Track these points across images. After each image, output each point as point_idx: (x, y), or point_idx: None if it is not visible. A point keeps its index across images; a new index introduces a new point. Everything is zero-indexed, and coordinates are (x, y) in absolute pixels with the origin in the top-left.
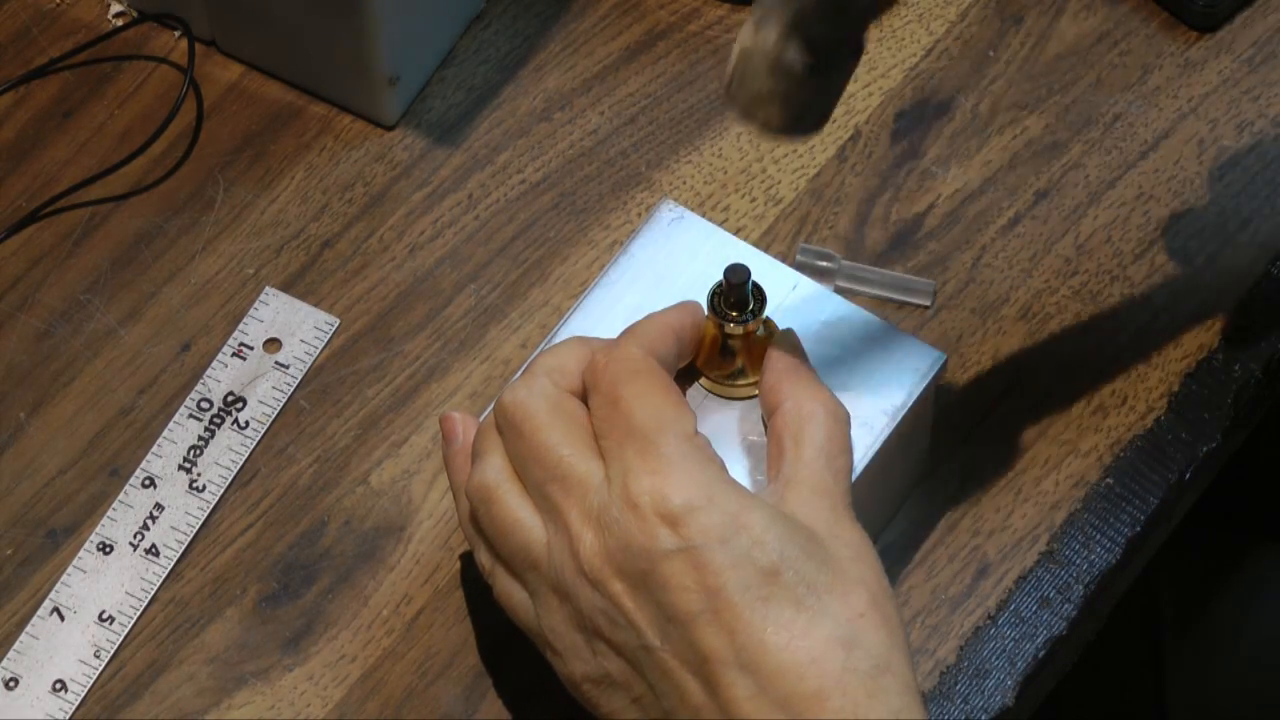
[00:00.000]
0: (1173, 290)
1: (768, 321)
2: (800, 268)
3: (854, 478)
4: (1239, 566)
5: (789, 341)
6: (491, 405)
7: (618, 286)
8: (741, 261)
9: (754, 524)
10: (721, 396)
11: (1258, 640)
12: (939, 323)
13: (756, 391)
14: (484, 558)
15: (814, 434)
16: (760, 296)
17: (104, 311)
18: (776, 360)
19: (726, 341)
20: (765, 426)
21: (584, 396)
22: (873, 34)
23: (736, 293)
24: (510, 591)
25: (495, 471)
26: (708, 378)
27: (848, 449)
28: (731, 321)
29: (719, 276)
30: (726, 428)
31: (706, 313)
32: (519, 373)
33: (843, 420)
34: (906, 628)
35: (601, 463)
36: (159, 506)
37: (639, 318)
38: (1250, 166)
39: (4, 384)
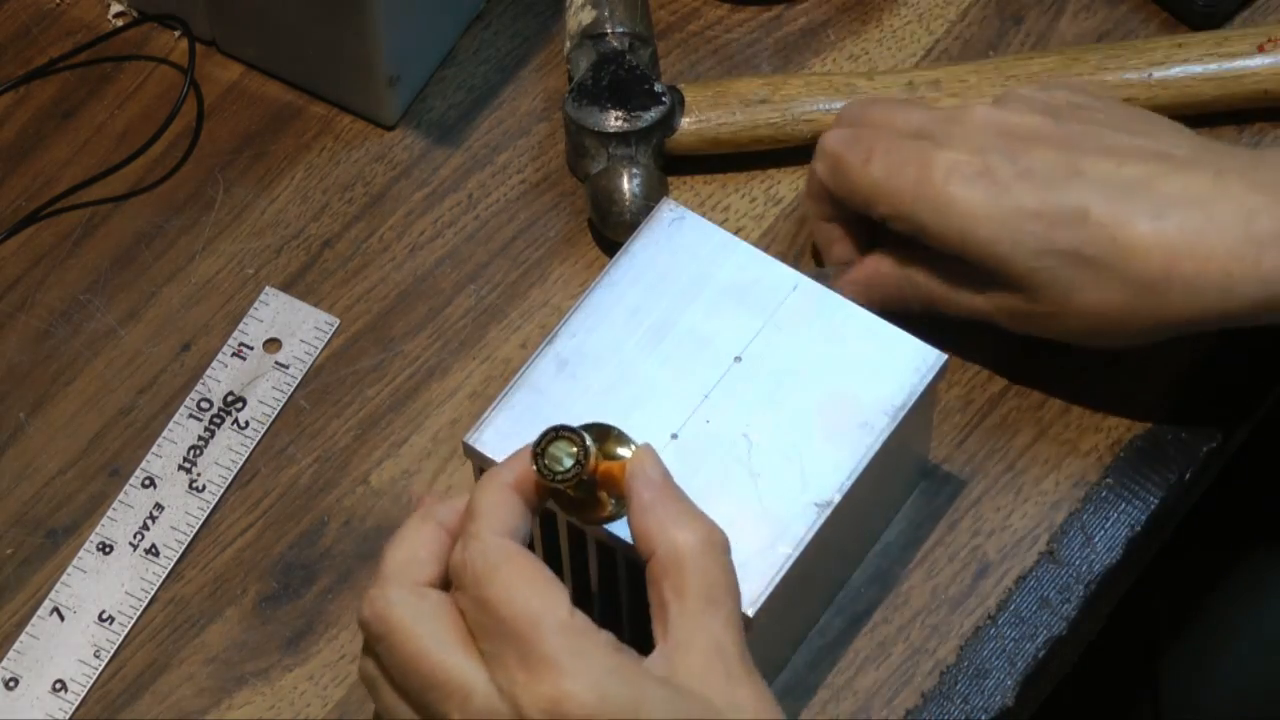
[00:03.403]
0: None
1: (609, 439)
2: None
3: (855, 479)
4: (1235, 567)
5: (644, 468)
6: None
7: (618, 286)
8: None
9: (651, 713)
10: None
11: (1253, 641)
12: (939, 323)
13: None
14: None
15: (693, 581)
16: (579, 434)
17: (104, 311)
18: (637, 497)
19: (578, 489)
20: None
21: (444, 584)
22: (873, 34)
23: (553, 451)
24: None
25: (373, 662)
26: (580, 522)
27: (732, 585)
28: (557, 482)
29: (719, 276)
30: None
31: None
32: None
33: (721, 550)
34: (907, 628)
35: (478, 664)
36: (159, 506)
37: (639, 318)
38: None
39: (4, 384)
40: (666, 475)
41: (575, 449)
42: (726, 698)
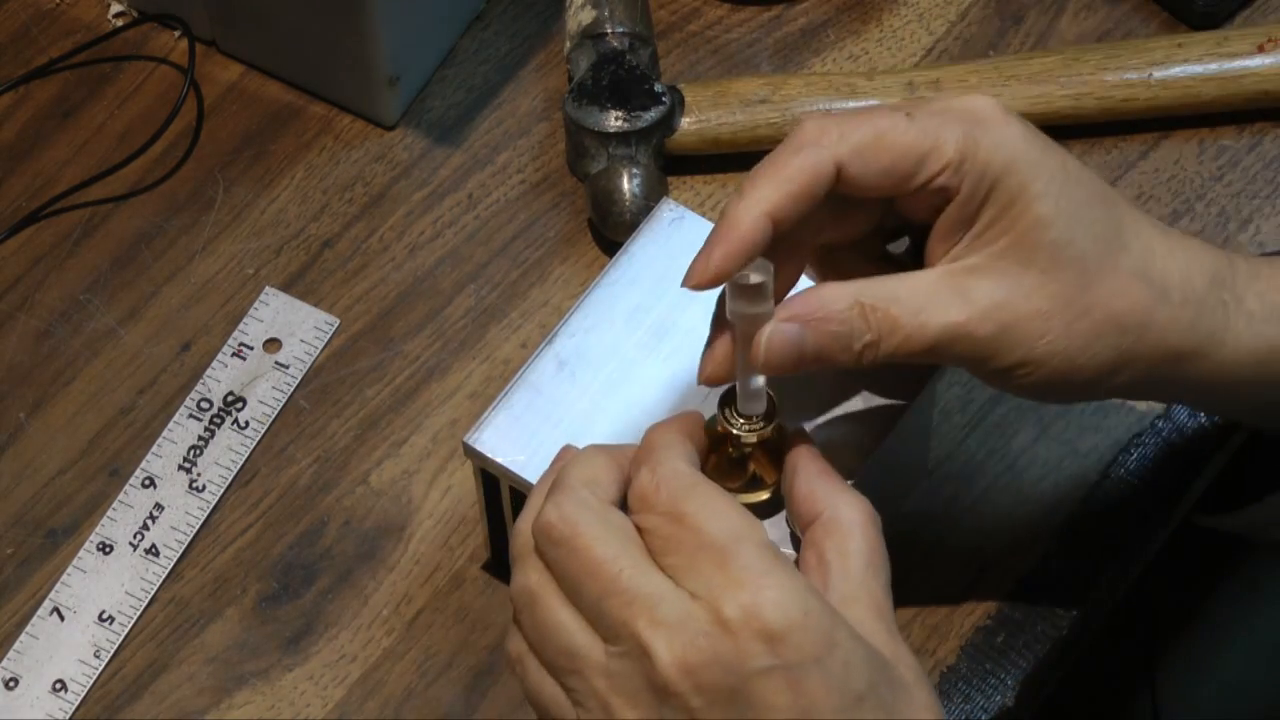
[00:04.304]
0: None
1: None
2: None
3: (855, 480)
4: (1234, 568)
5: (807, 441)
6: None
7: (618, 286)
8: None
9: (843, 642)
10: None
11: (1252, 642)
12: None
13: (765, 496)
14: (516, 646)
15: (859, 546)
16: (771, 396)
17: (104, 311)
18: (804, 465)
19: (741, 451)
20: (792, 531)
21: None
22: (873, 34)
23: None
24: (542, 688)
25: (539, 573)
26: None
27: (887, 561)
28: (748, 430)
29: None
30: None
31: (718, 420)
32: (537, 491)
33: (879, 526)
34: (907, 628)
35: (665, 578)
36: (159, 506)
37: (639, 318)
38: (1250, 166)
39: (4, 384)
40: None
41: (767, 405)
42: (891, 651)
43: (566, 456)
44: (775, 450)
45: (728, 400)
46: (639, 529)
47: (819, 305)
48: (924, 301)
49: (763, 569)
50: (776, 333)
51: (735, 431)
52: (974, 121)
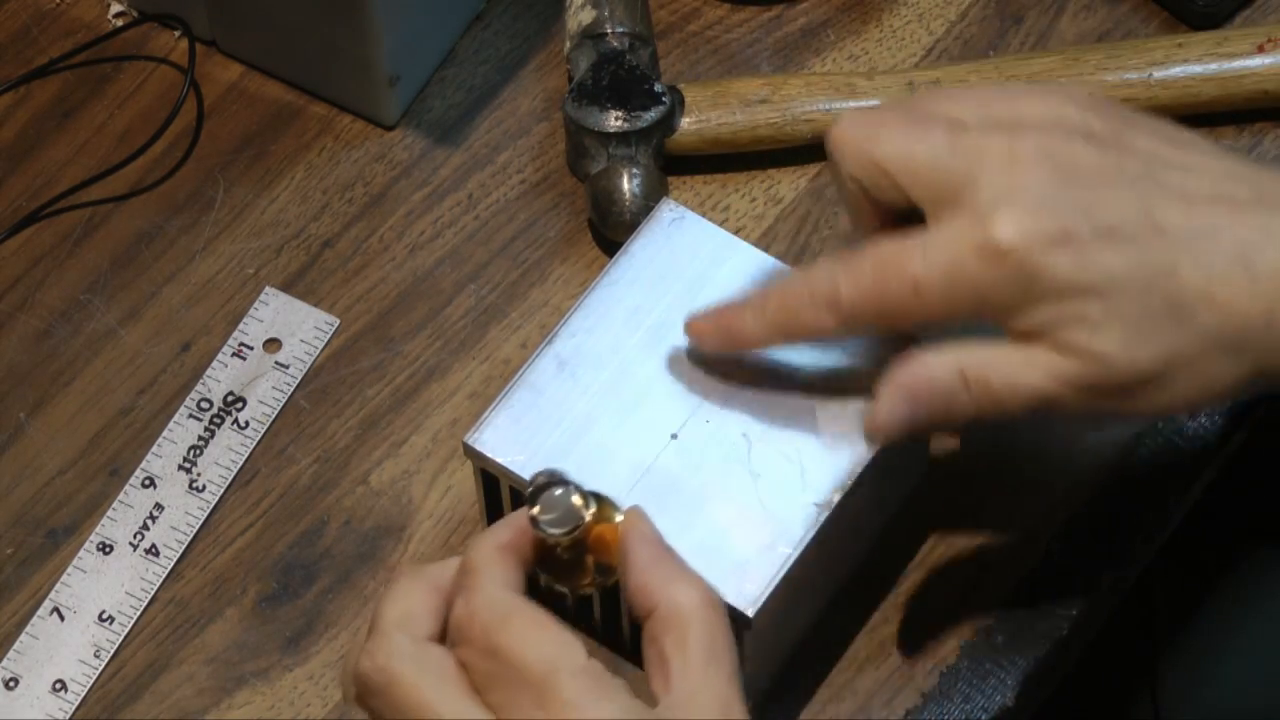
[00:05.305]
0: None
1: (601, 501)
2: None
3: (854, 479)
4: (1235, 567)
5: (641, 527)
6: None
7: (618, 286)
8: (546, 468)
9: None
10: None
11: (1253, 641)
12: None
13: (616, 578)
14: None
15: (698, 637)
16: (584, 495)
17: (104, 311)
18: (636, 555)
19: (570, 550)
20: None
21: (441, 642)
22: (873, 34)
23: (559, 502)
24: None
25: None
26: (563, 588)
27: (731, 643)
28: (561, 534)
29: (719, 276)
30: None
31: (534, 527)
32: (364, 628)
33: (720, 609)
34: (907, 628)
35: (487, 714)
36: (159, 506)
37: (639, 318)
38: None
39: (4, 384)
40: (660, 535)
41: (576, 501)
42: None
43: (408, 567)
44: (609, 530)
45: (534, 516)
46: (462, 663)
47: (925, 377)
48: (1015, 371)
49: (578, 698)
50: (886, 411)
51: (543, 537)
52: None
